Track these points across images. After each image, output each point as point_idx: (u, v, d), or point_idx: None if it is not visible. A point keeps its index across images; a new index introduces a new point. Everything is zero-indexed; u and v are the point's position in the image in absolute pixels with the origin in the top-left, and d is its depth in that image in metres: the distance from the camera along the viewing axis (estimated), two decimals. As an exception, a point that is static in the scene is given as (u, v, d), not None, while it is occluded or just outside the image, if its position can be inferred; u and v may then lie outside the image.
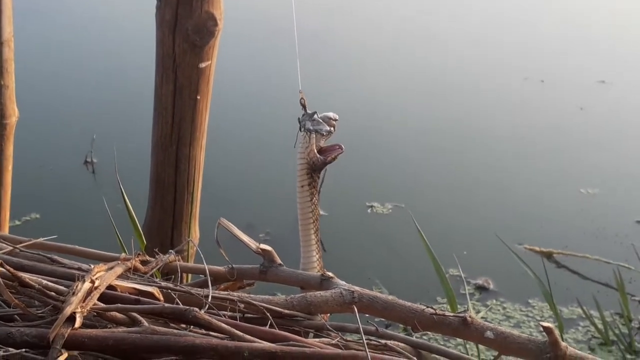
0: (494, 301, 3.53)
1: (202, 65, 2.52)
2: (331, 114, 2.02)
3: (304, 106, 2.03)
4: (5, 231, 2.71)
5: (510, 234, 3.89)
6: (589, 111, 5.70)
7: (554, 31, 7.43)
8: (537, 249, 3.85)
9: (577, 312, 3.44)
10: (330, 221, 3.86)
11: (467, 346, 3.00)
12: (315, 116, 2.01)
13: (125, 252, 2.47)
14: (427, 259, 3.19)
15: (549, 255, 3.86)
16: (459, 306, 3.10)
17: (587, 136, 5.31)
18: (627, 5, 8.43)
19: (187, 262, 2.49)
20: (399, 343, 1.73)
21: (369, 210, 4.24)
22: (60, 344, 1.45)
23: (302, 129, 2.01)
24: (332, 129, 2.02)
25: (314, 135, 2.00)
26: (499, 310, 3.47)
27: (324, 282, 1.86)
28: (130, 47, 5.98)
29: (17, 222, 3.77)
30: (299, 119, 2.02)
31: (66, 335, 1.47)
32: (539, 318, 3.41)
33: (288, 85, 2.26)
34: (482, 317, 3.15)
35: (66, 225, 3.79)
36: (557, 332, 1.70)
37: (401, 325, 2.86)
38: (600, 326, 3.29)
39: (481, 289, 3.60)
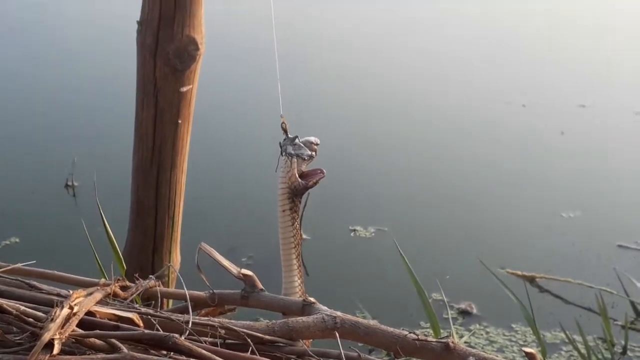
0: (477, 325, 3.52)
1: (184, 89, 2.52)
2: (313, 139, 2.01)
3: (285, 131, 2.02)
4: (-16, 256, 2.68)
5: (493, 258, 3.89)
6: (569, 135, 5.74)
7: (535, 55, 7.50)
8: (520, 273, 3.85)
9: (560, 336, 3.44)
10: (313, 245, 3.85)
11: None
12: (297, 140, 2.00)
13: (105, 277, 2.44)
14: (410, 283, 3.18)
15: (531, 280, 3.86)
16: (442, 331, 3.08)
17: (568, 160, 5.34)
18: (607, 30, 8.53)
19: (168, 287, 2.47)
20: (382, 369, 1.71)
21: (352, 234, 4.23)
22: (38, 371, 1.43)
23: (284, 154, 2.00)
24: (313, 153, 2.01)
25: (296, 160, 1.99)
26: (482, 334, 3.46)
27: (305, 308, 1.84)
28: (112, 70, 5.97)
29: (-3, 247, 3.74)
30: (280, 143, 2.01)
31: (44, 363, 1.44)
32: (522, 342, 3.40)
33: (269, 108, 2.26)
34: (465, 342, 3.15)
35: (46, 249, 3.76)
36: (539, 357, 1.69)
37: (384, 351, 2.85)
38: (583, 351, 3.28)
39: (464, 313, 3.59)
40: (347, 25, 8.08)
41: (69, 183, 4.44)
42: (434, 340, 1.76)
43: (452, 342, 1.73)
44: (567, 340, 3.36)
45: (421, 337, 1.75)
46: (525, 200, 4.75)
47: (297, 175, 1.98)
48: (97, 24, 7.33)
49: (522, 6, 9.31)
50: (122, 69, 4.53)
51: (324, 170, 2.01)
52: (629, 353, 3.40)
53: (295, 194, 1.99)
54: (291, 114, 2.07)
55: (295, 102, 5.33)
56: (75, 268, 2.20)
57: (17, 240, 3.87)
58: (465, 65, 7.05)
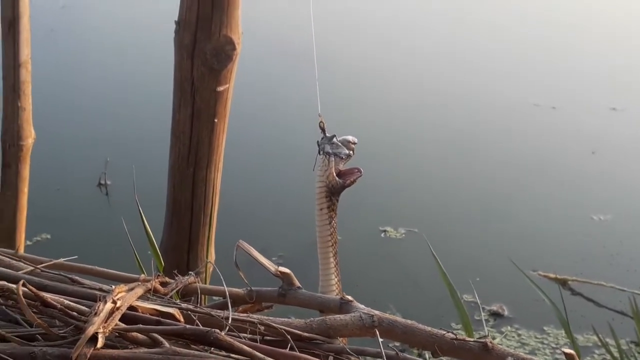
0: (509, 328, 3.51)
1: (220, 88, 2.53)
2: (350, 138, 2.02)
3: (323, 129, 2.03)
4: (21, 252, 2.72)
5: (524, 261, 3.87)
6: (600, 138, 5.70)
7: (566, 57, 7.45)
8: (552, 275, 3.84)
9: (593, 339, 3.42)
10: (344, 246, 3.82)
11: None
12: (335, 139, 2.01)
13: (144, 273, 2.46)
14: (440, 284, 3.16)
15: (563, 282, 3.84)
16: (474, 332, 3.08)
17: (600, 163, 5.30)
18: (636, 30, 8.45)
19: (205, 284, 2.49)
20: (419, 367, 1.71)
21: (382, 235, 4.23)
22: (82, 364, 1.45)
23: (321, 152, 2.01)
24: (351, 152, 2.01)
25: (333, 159, 2.00)
26: (513, 337, 3.45)
27: (343, 306, 1.85)
28: (147, 70, 6.01)
29: (28, 242, 3.77)
30: (317, 142, 2.02)
31: (88, 355, 1.46)
32: (554, 345, 3.39)
33: (306, 107, 2.28)
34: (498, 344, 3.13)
35: (77, 246, 3.80)
36: (578, 359, 1.69)
37: (415, 351, 2.85)
38: (616, 354, 3.25)
39: (495, 315, 3.58)
40: (387, 22, 8.08)
41: (102, 182, 4.49)
42: (472, 340, 1.76)
43: (490, 342, 1.73)
44: (599, 344, 3.34)
45: (459, 337, 1.75)
46: (557, 203, 4.72)
47: (334, 174, 1.99)
48: (136, 24, 7.39)
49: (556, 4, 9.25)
50: (157, 69, 4.58)
51: (362, 170, 2.02)
52: (662, 357, 3.37)
53: (333, 192, 1.99)
54: (329, 113, 2.09)
55: (332, 102, 5.34)
56: (108, 264, 2.22)
57: (48, 236, 3.91)
58: (497, 67, 7.03)
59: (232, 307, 1.86)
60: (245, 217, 4.28)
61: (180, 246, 2.70)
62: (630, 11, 9.28)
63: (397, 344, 2.51)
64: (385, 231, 4.25)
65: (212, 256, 2.72)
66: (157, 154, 2.79)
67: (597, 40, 8.12)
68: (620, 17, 9.17)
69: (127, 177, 3.27)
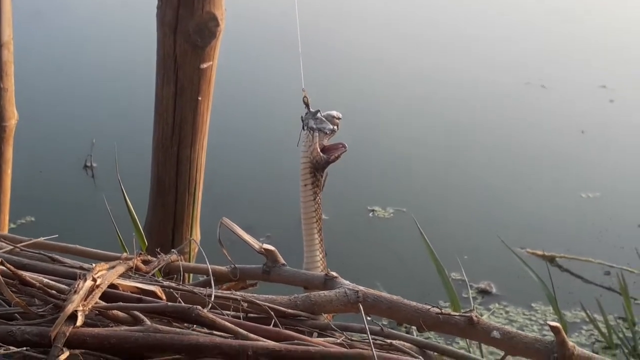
0: (497, 305, 3.51)
1: (204, 66, 2.50)
2: (335, 113, 2.00)
3: (307, 105, 2.02)
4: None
5: (512, 238, 3.87)
6: (589, 116, 5.69)
7: (555, 34, 7.43)
8: (540, 252, 3.83)
9: (581, 316, 3.42)
10: (332, 225, 3.83)
11: (470, 349, 2.97)
12: (319, 115, 1.99)
13: (126, 251, 2.44)
14: (428, 262, 3.16)
15: (551, 259, 3.84)
16: (461, 310, 3.07)
17: (588, 140, 5.30)
18: (630, 10, 8.43)
19: (189, 262, 2.47)
20: (405, 343, 1.70)
21: (370, 214, 4.22)
22: (61, 342, 1.43)
23: (305, 128, 1.99)
24: (335, 127, 2.00)
25: (317, 134, 1.98)
26: (501, 314, 3.44)
27: (327, 282, 1.84)
28: (130, 48, 5.96)
29: (12, 225, 3.74)
30: (302, 117, 2.00)
31: (68, 334, 1.44)
32: (542, 322, 3.39)
33: (290, 84, 2.25)
34: (485, 321, 3.13)
35: (61, 227, 3.74)
36: (564, 332, 1.68)
37: (403, 327, 2.85)
38: (604, 330, 3.26)
39: (483, 292, 3.58)
40: (376, 7, 8.03)
41: (88, 164, 4.45)
42: (458, 314, 1.75)
43: (476, 317, 1.72)
44: (587, 320, 3.34)
45: (445, 311, 1.74)
46: (545, 181, 4.72)
47: (318, 149, 1.97)
48: (115, 1, 7.33)
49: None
50: (140, 47, 4.53)
51: (346, 145, 2.00)
52: (650, 332, 3.38)
53: (317, 168, 1.98)
54: (313, 89, 2.06)
55: (318, 77, 5.31)
56: (93, 246, 2.19)
57: (33, 219, 3.88)
58: (485, 45, 7.00)
59: (216, 285, 1.84)
60: (233, 196, 4.25)
61: (165, 226, 2.68)
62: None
63: (386, 322, 2.50)
64: (373, 211, 4.23)
65: (198, 235, 2.70)
66: (145, 134, 2.75)
67: (587, 19, 8.10)
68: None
69: (113, 158, 3.24)
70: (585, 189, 4.59)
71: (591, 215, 4.34)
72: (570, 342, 1.66)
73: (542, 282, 3.21)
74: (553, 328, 1.65)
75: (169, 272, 2.00)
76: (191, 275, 2.36)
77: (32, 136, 4.66)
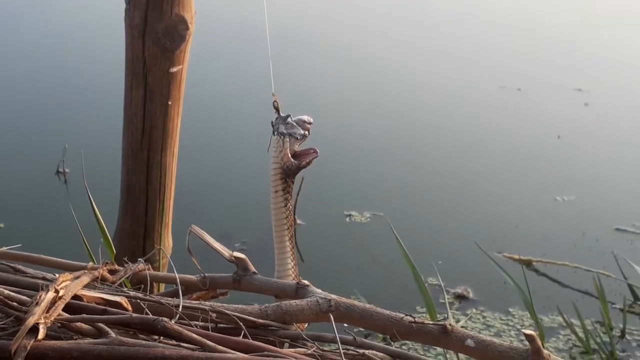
0: (474, 310, 3.48)
1: (173, 69, 2.46)
2: (305, 117, 1.97)
3: (277, 109, 1.98)
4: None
5: (489, 243, 3.85)
6: (564, 119, 5.69)
7: (530, 38, 7.45)
8: (517, 257, 3.81)
9: (558, 320, 3.40)
10: (308, 230, 3.79)
11: (448, 356, 2.94)
12: (289, 119, 1.96)
13: (93, 261, 2.39)
14: (406, 268, 3.14)
15: (528, 264, 3.82)
16: (438, 315, 3.05)
17: (563, 143, 5.30)
18: (604, 13, 8.48)
19: (159, 271, 2.42)
20: (378, 353, 1.67)
21: (347, 219, 4.18)
22: (22, 356, 1.39)
23: (276, 133, 1.95)
24: (306, 132, 1.96)
25: (288, 139, 1.94)
26: (478, 319, 3.42)
27: (299, 291, 1.80)
28: (102, 53, 5.89)
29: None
30: (272, 122, 1.96)
31: (29, 347, 1.41)
32: (519, 327, 3.36)
33: (261, 89, 2.21)
34: (462, 326, 3.09)
35: (33, 235, 3.69)
36: (539, 340, 1.65)
37: (380, 335, 2.81)
38: (581, 335, 3.25)
39: (460, 297, 3.55)
40: (348, 3, 8.02)
41: (60, 170, 4.38)
42: (431, 323, 1.72)
43: (450, 325, 1.69)
44: (564, 324, 3.32)
45: (418, 320, 1.71)
46: (521, 184, 4.70)
47: (289, 155, 1.94)
48: (83, 6, 7.25)
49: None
50: (111, 51, 4.47)
51: (317, 150, 1.97)
52: (627, 337, 3.36)
53: (288, 174, 1.94)
54: (284, 93, 2.02)
55: (288, 81, 5.27)
56: (64, 254, 2.14)
57: (1, 225, 3.81)
58: (460, 49, 7.00)
59: (185, 294, 1.80)
60: (207, 203, 4.20)
61: (136, 233, 2.63)
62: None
63: (365, 331, 2.47)
64: (350, 215, 4.20)
65: (169, 243, 2.66)
66: (118, 139, 2.70)
67: (561, 22, 8.13)
68: (587, 2, 9.21)
69: (87, 164, 3.18)
70: (560, 192, 4.58)
71: (567, 218, 4.33)
72: (545, 351, 1.64)
73: (519, 287, 3.19)
74: (527, 336, 1.62)
75: (139, 282, 1.95)
76: (163, 285, 2.31)
77: (4, 142, 4.60)
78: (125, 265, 1.88)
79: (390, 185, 4.61)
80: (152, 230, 2.60)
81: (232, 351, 1.48)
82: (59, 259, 1.99)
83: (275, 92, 2.01)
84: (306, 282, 1.82)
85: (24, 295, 1.57)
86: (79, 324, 1.52)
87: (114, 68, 3.12)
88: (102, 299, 1.62)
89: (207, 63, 5.72)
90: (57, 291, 1.53)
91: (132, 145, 2.52)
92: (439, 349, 2.95)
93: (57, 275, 1.66)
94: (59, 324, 1.51)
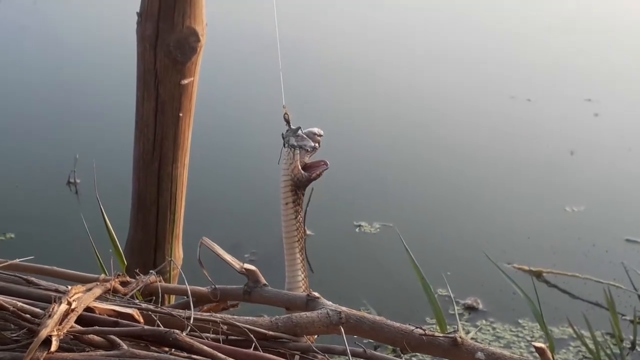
0: (484, 321, 3.47)
1: (185, 81, 2.48)
2: (316, 130, 1.97)
3: (287, 122, 1.99)
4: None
5: (499, 254, 3.85)
6: (574, 130, 5.69)
7: (540, 48, 7.45)
8: (526, 268, 3.80)
9: (568, 332, 3.39)
10: (318, 241, 3.80)
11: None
12: (300, 132, 1.96)
13: (105, 273, 2.40)
14: (415, 279, 3.14)
15: (538, 275, 3.81)
16: (448, 327, 3.04)
17: (573, 154, 5.29)
18: (612, 22, 8.47)
19: (170, 283, 2.43)
20: (388, 365, 1.67)
21: (357, 230, 4.18)
22: (35, 368, 1.40)
23: (286, 145, 1.96)
24: (316, 144, 1.97)
25: (298, 152, 1.95)
26: (488, 330, 3.41)
27: (310, 303, 1.80)
28: (113, 63, 5.92)
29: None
30: (282, 134, 1.97)
31: (42, 360, 1.41)
32: (529, 338, 3.36)
33: (272, 101, 2.22)
34: (471, 338, 3.11)
35: (43, 245, 3.71)
36: (549, 353, 1.65)
37: (390, 347, 2.81)
38: (591, 346, 3.23)
39: (470, 309, 3.55)
40: (357, 14, 8.04)
41: (71, 180, 4.40)
42: (441, 335, 1.72)
43: (460, 338, 1.69)
44: (575, 336, 3.31)
45: (428, 332, 1.71)
46: (531, 195, 4.70)
47: (299, 167, 1.94)
48: (96, 18, 7.29)
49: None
50: (123, 63, 4.50)
51: (328, 162, 1.97)
52: (638, 348, 3.35)
53: (298, 186, 1.95)
54: (294, 105, 2.03)
55: (299, 93, 5.29)
56: (74, 265, 2.16)
57: (12, 235, 3.82)
58: (470, 59, 7.01)
59: (197, 306, 1.81)
60: (217, 214, 4.22)
61: (147, 244, 2.64)
62: (605, 5, 9.31)
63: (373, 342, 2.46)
64: (360, 226, 4.20)
65: (180, 254, 2.66)
66: (129, 150, 2.71)
67: (571, 32, 8.13)
68: (596, 12, 9.20)
69: (98, 175, 3.19)
70: (570, 202, 4.57)
71: (577, 229, 4.32)
72: (556, 363, 1.63)
73: (529, 298, 3.18)
74: (538, 349, 1.62)
75: (150, 294, 1.96)
76: (174, 296, 2.32)
77: (16, 152, 4.62)
78: (137, 277, 1.89)
79: (400, 196, 4.62)
80: (163, 241, 2.61)
81: (243, 363, 1.49)
82: (71, 271, 2.00)
83: (286, 104, 2.02)
84: (316, 294, 1.82)
85: (36, 307, 1.58)
86: (91, 336, 1.52)
87: (126, 80, 3.14)
88: (114, 311, 1.63)
89: (218, 74, 5.74)
90: (69, 303, 1.54)
91: (144, 156, 2.53)
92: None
93: (69, 287, 1.67)
94: (72, 336, 1.51)
